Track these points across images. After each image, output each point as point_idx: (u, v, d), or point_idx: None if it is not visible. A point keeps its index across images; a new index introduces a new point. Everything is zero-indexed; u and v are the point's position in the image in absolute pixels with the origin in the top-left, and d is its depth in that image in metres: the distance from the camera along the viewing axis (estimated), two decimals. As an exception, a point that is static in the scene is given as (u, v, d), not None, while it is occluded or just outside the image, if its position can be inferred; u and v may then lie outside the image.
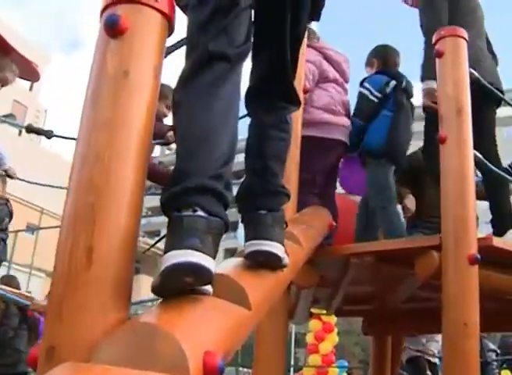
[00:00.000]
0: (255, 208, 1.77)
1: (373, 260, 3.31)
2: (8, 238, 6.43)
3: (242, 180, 1.93)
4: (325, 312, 5.65)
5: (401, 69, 4.32)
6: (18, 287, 6.14)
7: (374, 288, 4.27)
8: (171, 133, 4.39)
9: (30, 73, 3.54)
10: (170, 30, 1.36)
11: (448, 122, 3.07)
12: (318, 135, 3.70)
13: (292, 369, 13.63)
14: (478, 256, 2.77)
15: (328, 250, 3.29)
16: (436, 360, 6.51)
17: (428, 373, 6.55)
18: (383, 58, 4.31)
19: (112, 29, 1.24)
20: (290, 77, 1.97)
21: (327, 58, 3.96)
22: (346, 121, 3.88)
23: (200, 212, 1.28)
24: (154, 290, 1.26)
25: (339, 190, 4.62)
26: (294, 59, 1.98)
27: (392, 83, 4.09)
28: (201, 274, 1.22)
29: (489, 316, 2.99)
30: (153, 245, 4.83)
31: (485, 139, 3.71)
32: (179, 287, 1.23)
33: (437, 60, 3.23)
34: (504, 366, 7.88)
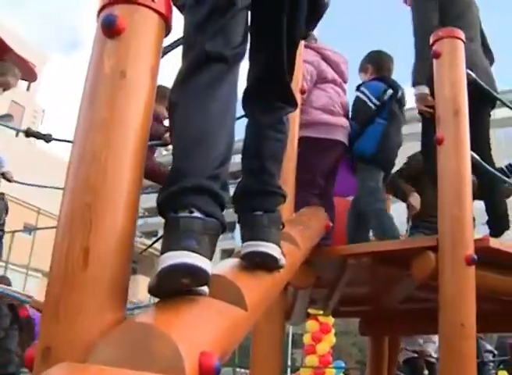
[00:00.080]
0: (252, 209, 1.77)
1: (370, 261, 3.31)
2: (4, 236, 6.44)
3: (239, 180, 1.93)
4: (322, 312, 5.65)
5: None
6: (9, 286, 6.15)
7: (371, 289, 4.27)
8: (168, 134, 4.40)
9: (27, 72, 3.54)
10: (167, 30, 1.36)
11: (445, 123, 3.08)
12: (317, 136, 3.71)
13: (289, 370, 13.64)
14: (475, 257, 2.77)
15: (325, 251, 3.29)
16: (434, 360, 6.51)
17: (426, 372, 6.55)
18: (377, 64, 4.38)
19: (109, 29, 1.24)
20: (287, 78, 1.97)
21: (325, 58, 3.96)
22: (344, 121, 3.89)
23: (196, 213, 1.28)
24: (151, 290, 1.26)
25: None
26: (291, 60, 1.98)
27: (389, 92, 4.21)
28: (198, 275, 1.22)
29: (486, 316, 2.99)
30: (150, 246, 4.83)
31: (480, 140, 3.73)
32: (175, 287, 1.23)
33: (434, 61, 3.23)
34: (501, 366, 7.89)
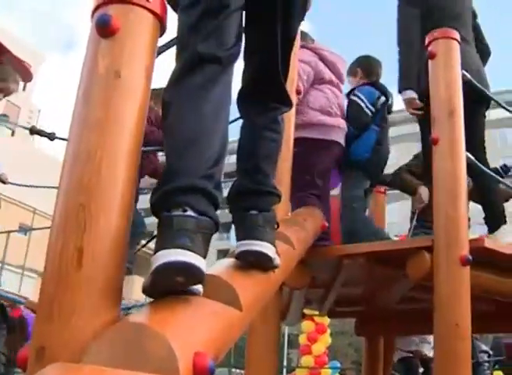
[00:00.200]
0: (246, 209, 1.77)
1: (365, 261, 3.32)
2: None
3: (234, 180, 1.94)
4: (317, 313, 5.66)
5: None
6: None
7: (366, 289, 4.28)
8: None
9: (22, 72, 3.53)
10: (162, 30, 1.36)
11: (440, 123, 3.08)
12: (315, 136, 3.71)
13: (285, 370, 13.63)
14: (470, 257, 2.78)
15: (321, 251, 3.29)
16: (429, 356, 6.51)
17: (421, 370, 6.55)
18: (366, 69, 4.45)
19: (104, 29, 1.23)
20: (282, 78, 1.97)
21: (322, 58, 3.96)
22: (342, 122, 3.89)
23: (190, 212, 1.29)
24: (145, 290, 1.26)
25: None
26: (286, 60, 1.98)
27: (382, 99, 4.31)
28: (192, 273, 1.22)
29: (481, 317, 3.00)
30: (144, 245, 4.82)
31: (475, 141, 3.75)
32: (170, 286, 1.23)
33: (429, 62, 3.24)
34: (496, 366, 7.90)
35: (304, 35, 4.03)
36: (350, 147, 3.99)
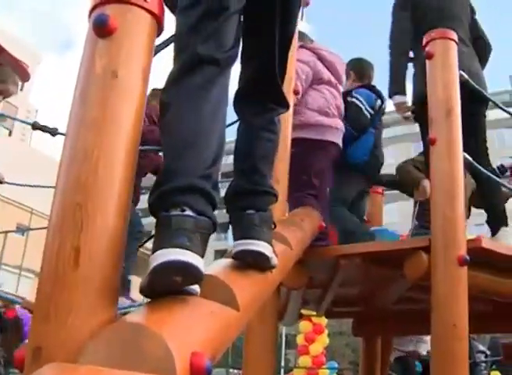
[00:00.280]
0: (243, 208, 1.78)
1: (362, 261, 3.32)
2: None
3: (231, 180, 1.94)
4: (315, 313, 5.66)
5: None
6: None
7: (363, 289, 4.28)
8: None
9: (19, 72, 3.53)
10: (159, 30, 1.36)
11: (438, 123, 3.09)
12: (312, 137, 3.72)
13: (282, 371, 13.65)
14: (467, 257, 2.78)
15: (318, 251, 3.29)
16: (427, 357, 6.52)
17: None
18: (359, 72, 4.53)
19: (101, 29, 1.23)
20: (279, 80, 1.98)
21: (321, 58, 3.96)
22: (339, 123, 3.90)
23: (188, 212, 1.29)
24: (143, 290, 1.26)
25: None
26: (283, 61, 1.99)
27: (379, 102, 4.45)
28: (190, 273, 1.22)
29: (479, 317, 3.00)
30: (142, 245, 4.82)
31: (478, 142, 3.77)
32: (168, 285, 1.23)
33: (427, 62, 3.24)
34: (494, 367, 7.90)
35: (303, 35, 4.04)
36: (347, 148, 4.00)
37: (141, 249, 4.91)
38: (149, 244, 4.73)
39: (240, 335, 2.64)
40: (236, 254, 1.69)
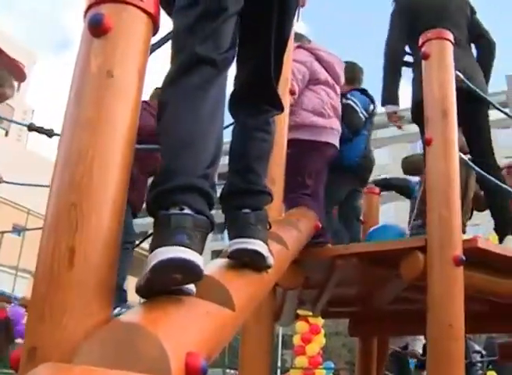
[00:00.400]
0: (238, 207, 1.78)
1: (358, 261, 3.32)
2: None
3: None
4: (311, 313, 5.66)
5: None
6: None
7: (360, 290, 4.28)
8: None
9: (16, 72, 3.52)
10: (155, 29, 1.35)
11: (434, 124, 3.09)
12: (307, 138, 3.72)
13: (279, 371, 13.65)
14: (463, 257, 2.78)
15: (314, 251, 3.29)
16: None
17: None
18: (350, 76, 4.55)
19: (96, 28, 1.23)
20: (274, 82, 1.99)
21: (319, 59, 3.96)
22: (335, 123, 3.89)
23: (187, 211, 1.29)
24: (140, 290, 1.26)
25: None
26: (279, 63, 2.00)
27: (372, 106, 4.57)
28: (191, 270, 1.22)
29: (474, 317, 3.00)
30: (138, 245, 4.81)
31: (482, 142, 3.78)
32: (167, 284, 1.24)
33: (423, 62, 3.25)
34: (490, 367, 7.92)
35: (301, 36, 4.05)
36: (341, 150, 4.02)
37: (137, 249, 4.90)
38: (144, 245, 4.73)
39: (237, 335, 2.65)
40: (232, 253, 1.69)
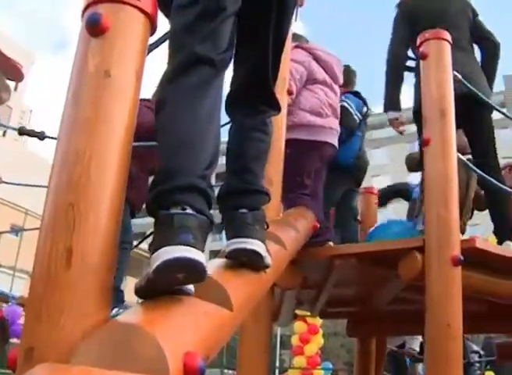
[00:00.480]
0: (235, 207, 1.78)
1: (357, 261, 3.32)
2: None
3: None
4: (309, 313, 5.66)
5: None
6: None
7: (358, 290, 4.28)
8: None
9: (13, 72, 3.51)
10: (152, 29, 1.35)
11: (432, 124, 3.09)
12: (305, 138, 3.71)
13: (277, 371, 13.65)
14: (461, 257, 2.78)
15: (312, 251, 3.28)
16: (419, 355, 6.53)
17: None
18: (345, 79, 4.60)
19: (94, 28, 1.23)
20: (271, 83, 1.99)
21: (317, 58, 3.96)
22: (334, 123, 3.89)
23: (189, 210, 1.29)
24: (140, 290, 1.26)
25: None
26: (276, 64, 2.00)
27: (365, 108, 4.68)
28: (196, 270, 1.23)
29: (472, 317, 3.00)
30: (137, 245, 4.81)
31: (483, 142, 3.79)
32: (171, 283, 1.24)
33: (421, 62, 3.26)
34: (488, 367, 7.92)
35: (299, 37, 4.05)
36: (337, 151, 4.03)
37: (136, 250, 4.90)
38: (143, 245, 4.71)
39: (235, 335, 2.64)
40: (230, 253, 1.69)
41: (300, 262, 3.15)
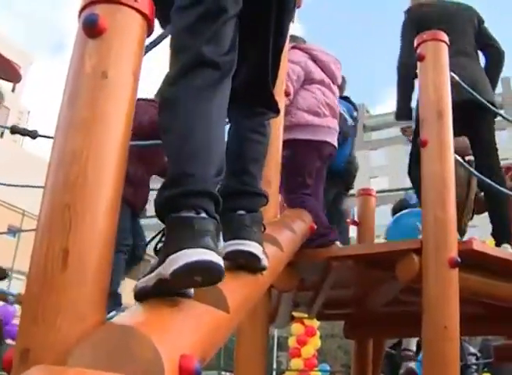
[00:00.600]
0: (233, 209, 1.78)
1: (354, 263, 3.32)
2: None
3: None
4: (306, 315, 5.66)
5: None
6: None
7: (355, 292, 4.28)
8: None
9: (10, 73, 3.51)
10: (149, 30, 1.35)
11: (429, 125, 3.09)
12: (303, 137, 3.71)
13: (274, 373, 13.64)
14: (459, 259, 2.78)
15: (309, 253, 3.28)
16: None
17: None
18: None
19: (91, 29, 1.22)
20: (271, 85, 1.99)
21: (314, 58, 3.96)
22: (331, 122, 3.89)
23: (203, 214, 1.31)
24: (145, 293, 1.27)
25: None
26: (276, 66, 2.00)
27: (355, 113, 4.76)
28: (216, 272, 1.26)
29: (470, 319, 3.00)
30: (147, 243, 4.79)
31: (487, 148, 3.80)
32: (187, 285, 1.28)
33: (418, 64, 3.26)
34: (485, 369, 7.92)
35: (295, 38, 4.06)
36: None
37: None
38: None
39: (232, 337, 2.64)
40: (227, 254, 1.69)
41: (297, 264, 3.15)
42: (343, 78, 4.80)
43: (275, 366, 14.33)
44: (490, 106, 3.77)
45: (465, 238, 3.50)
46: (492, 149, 3.90)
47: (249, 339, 2.94)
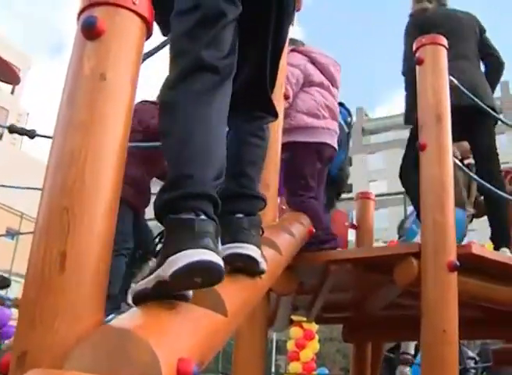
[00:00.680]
0: (232, 212, 1.78)
1: (352, 267, 3.32)
2: None
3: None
4: (305, 319, 5.65)
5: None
6: None
7: (354, 295, 4.27)
8: None
9: (10, 76, 3.51)
10: (148, 33, 1.35)
11: (428, 129, 3.09)
12: (303, 140, 3.72)
13: (273, 377, 13.62)
14: (457, 263, 2.78)
15: (308, 257, 3.28)
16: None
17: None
18: None
19: (89, 31, 1.22)
20: (269, 89, 1.99)
21: (313, 61, 3.96)
22: (332, 124, 3.89)
23: (202, 216, 1.31)
24: (144, 296, 1.26)
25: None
26: (274, 70, 2.00)
27: (350, 119, 4.75)
28: (216, 273, 1.26)
29: (468, 323, 3.00)
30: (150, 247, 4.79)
31: (483, 147, 3.80)
32: (187, 287, 1.28)
33: (417, 68, 3.26)
34: (484, 373, 7.91)
35: (294, 41, 4.06)
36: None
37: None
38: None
39: (230, 341, 2.63)
40: (226, 258, 1.68)
41: (296, 268, 3.14)
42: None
43: (273, 369, 14.31)
44: (491, 111, 3.78)
45: (464, 242, 3.50)
46: (492, 154, 3.91)
47: (247, 342, 2.93)
